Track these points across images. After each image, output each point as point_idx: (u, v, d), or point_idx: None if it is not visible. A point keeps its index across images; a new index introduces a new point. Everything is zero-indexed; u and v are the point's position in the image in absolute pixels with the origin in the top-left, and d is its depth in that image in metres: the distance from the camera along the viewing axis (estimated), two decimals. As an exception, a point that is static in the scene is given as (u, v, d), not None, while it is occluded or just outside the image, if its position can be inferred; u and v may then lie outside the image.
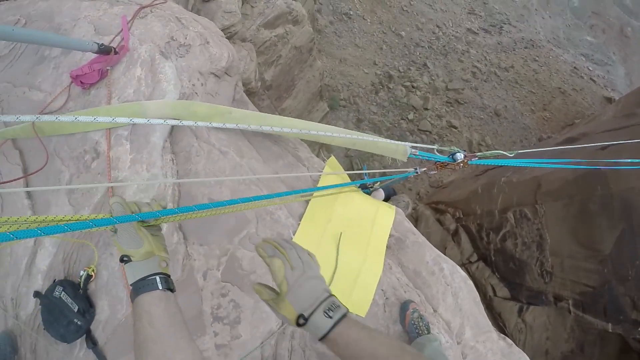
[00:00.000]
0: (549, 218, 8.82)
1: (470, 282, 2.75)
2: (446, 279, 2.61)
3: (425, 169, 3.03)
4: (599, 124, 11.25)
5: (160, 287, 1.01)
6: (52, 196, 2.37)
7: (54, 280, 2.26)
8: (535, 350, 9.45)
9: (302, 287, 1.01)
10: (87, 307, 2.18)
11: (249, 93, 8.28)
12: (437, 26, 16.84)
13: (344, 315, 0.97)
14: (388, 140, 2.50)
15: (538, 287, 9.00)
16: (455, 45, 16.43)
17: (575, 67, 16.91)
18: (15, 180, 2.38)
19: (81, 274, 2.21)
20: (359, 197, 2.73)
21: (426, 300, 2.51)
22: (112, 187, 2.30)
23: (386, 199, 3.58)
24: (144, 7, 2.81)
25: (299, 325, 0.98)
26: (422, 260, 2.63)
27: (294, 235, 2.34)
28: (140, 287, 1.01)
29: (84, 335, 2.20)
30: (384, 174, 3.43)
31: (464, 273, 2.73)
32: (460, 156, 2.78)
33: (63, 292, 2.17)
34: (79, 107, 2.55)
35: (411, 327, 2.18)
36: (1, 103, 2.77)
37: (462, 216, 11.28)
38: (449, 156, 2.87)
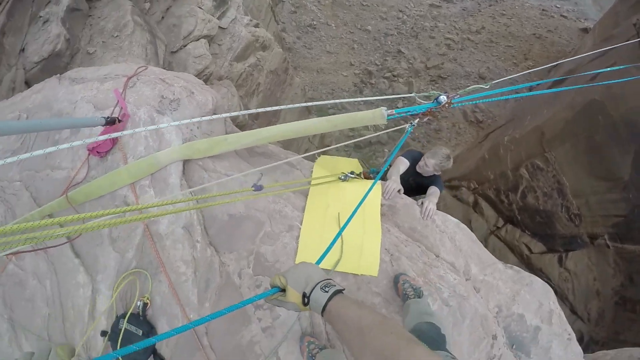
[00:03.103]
0: (562, 162, 9.14)
1: (464, 226, 3.25)
2: (439, 227, 3.13)
3: (417, 119, 3.39)
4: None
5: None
6: (98, 250, 2.96)
7: (116, 316, 2.82)
8: (587, 294, 9.52)
9: (297, 273, 1.26)
10: (150, 328, 2.74)
11: (240, 127, 8.83)
12: (400, 10, 17.48)
13: (338, 292, 1.19)
14: (362, 112, 3.01)
15: (571, 232, 9.26)
16: (423, 23, 17.04)
17: (543, 9, 17.44)
18: (60, 245, 2.96)
19: (138, 304, 2.78)
20: (348, 184, 3.29)
21: (427, 250, 3.02)
22: (148, 227, 2.88)
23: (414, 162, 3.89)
24: (130, 78, 3.42)
25: (305, 304, 1.20)
26: (414, 217, 3.16)
27: (301, 224, 2.89)
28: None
29: (152, 355, 2.74)
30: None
31: (455, 219, 3.22)
32: (443, 98, 3.19)
33: (126, 323, 2.73)
34: (100, 173, 3.13)
35: (404, 296, 2.63)
36: (29, 189, 3.34)
37: (477, 186, 11.49)
38: (433, 101, 3.26)
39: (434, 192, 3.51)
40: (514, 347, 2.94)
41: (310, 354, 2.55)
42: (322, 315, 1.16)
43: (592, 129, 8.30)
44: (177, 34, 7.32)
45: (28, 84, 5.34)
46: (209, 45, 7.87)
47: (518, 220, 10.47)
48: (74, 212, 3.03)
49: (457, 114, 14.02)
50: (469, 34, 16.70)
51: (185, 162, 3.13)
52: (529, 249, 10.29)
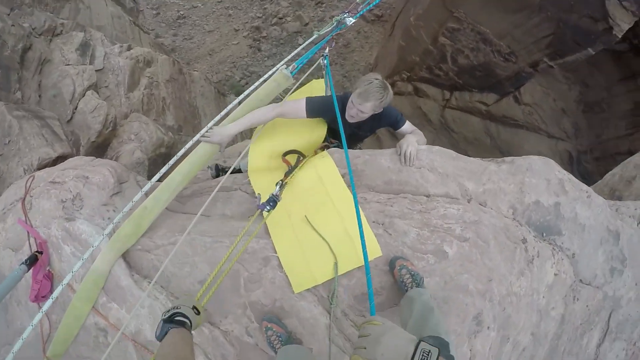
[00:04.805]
0: (473, 14, 8.85)
1: (437, 147, 2.82)
2: (414, 164, 2.69)
3: (327, 50, 3.19)
4: None
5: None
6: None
7: None
8: (554, 116, 9.63)
9: (388, 352, 1.08)
10: None
11: (169, 148, 8.19)
12: (255, -44, 16.34)
13: (438, 356, 1.05)
14: (265, 85, 2.68)
15: (513, 70, 9.14)
16: (281, -44, 15.98)
17: None
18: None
19: None
20: (296, 176, 2.72)
21: (414, 195, 2.61)
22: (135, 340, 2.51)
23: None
24: (24, 200, 2.93)
25: None
26: (382, 169, 2.71)
27: (274, 252, 2.44)
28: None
29: None
30: None
31: (424, 146, 2.79)
32: (349, 20, 3.10)
33: None
34: (60, 313, 2.71)
35: (400, 284, 2.25)
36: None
37: (409, 74, 11.20)
38: (339, 27, 3.12)
39: (404, 130, 2.91)
40: (544, 235, 2.68)
41: (269, 341, 2.26)
42: None
43: (486, -28, 7.85)
44: (63, 102, 6.59)
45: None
46: (98, 93, 7.18)
47: (461, 84, 10.33)
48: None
49: (356, 21, 13.47)
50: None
51: (125, 256, 2.65)
52: (484, 104, 10.25)
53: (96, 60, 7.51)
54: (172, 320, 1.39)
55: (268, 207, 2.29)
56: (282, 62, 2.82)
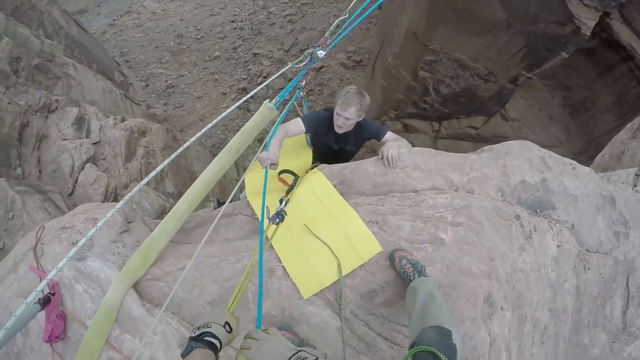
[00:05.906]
0: (446, 44, 9.13)
1: (417, 147, 3.00)
2: (397, 165, 2.85)
3: (303, 82, 3.48)
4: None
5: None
6: None
7: None
8: (543, 125, 9.69)
9: (268, 355, 1.20)
10: None
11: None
12: (232, 21, 17.42)
13: None
14: (251, 120, 2.86)
15: (495, 90, 9.36)
16: (258, 18, 17.02)
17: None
18: None
19: None
20: (294, 192, 2.91)
21: (403, 193, 2.74)
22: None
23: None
24: (35, 248, 3.01)
25: None
26: (369, 176, 2.86)
27: (278, 262, 2.56)
28: None
29: None
30: None
31: (404, 149, 2.96)
32: (320, 53, 3.23)
33: None
34: (73, 353, 2.71)
35: (403, 275, 2.31)
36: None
37: (396, 112, 11.38)
38: (312, 61, 3.28)
39: (387, 139, 3.21)
40: (538, 211, 2.77)
41: None
42: None
43: (450, 1, 8.28)
44: (63, 176, 6.78)
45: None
46: (97, 166, 7.38)
47: (447, 113, 10.56)
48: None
49: (337, 69, 14.03)
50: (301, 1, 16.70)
51: (135, 286, 2.72)
52: (474, 127, 10.40)
53: (92, 133, 7.73)
54: (199, 339, 1.32)
55: (277, 220, 2.45)
56: (254, 91, 3.11)
